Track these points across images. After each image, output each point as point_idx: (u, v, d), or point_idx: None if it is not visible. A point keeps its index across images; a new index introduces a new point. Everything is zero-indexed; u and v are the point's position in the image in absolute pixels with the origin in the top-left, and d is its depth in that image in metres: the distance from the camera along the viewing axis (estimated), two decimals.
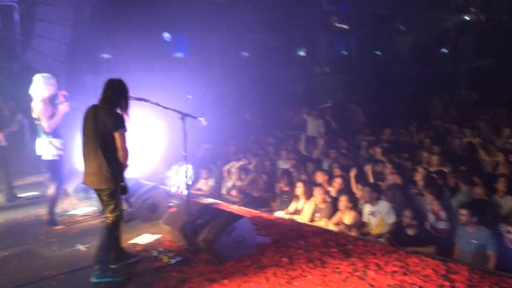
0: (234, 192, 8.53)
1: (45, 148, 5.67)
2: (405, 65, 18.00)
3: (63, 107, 5.80)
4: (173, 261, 4.66)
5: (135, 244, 5.29)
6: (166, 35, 17.81)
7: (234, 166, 8.91)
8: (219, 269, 4.43)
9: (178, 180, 7.40)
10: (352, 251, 4.74)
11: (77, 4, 10.48)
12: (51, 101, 5.89)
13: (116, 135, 4.39)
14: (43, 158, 5.73)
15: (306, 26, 16.37)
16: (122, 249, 4.81)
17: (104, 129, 4.40)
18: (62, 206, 6.93)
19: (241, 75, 15.85)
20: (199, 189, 9.27)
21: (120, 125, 4.42)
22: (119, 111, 4.49)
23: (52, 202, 5.96)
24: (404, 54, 18.31)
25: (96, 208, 6.54)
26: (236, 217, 4.83)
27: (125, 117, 4.52)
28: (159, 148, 7.16)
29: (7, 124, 7.57)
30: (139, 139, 7.29)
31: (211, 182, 9.18)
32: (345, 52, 17.60)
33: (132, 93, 4.61)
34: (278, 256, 4.69)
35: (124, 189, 4.55)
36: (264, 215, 6.30)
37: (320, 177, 7.58)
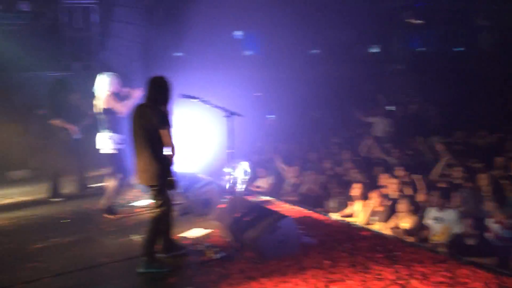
0: (290, 191, 8.52)
1: (104, 142, 6.02)
2: (487, 62, 16.82)
3: (136, 92, 6.02)
4: (217, 256, 4.76)
5: (185, 238, 5.45)
6: (238, 33, 18.12)
7: (291, 165, 8.89)
8: (259, 267, 4.45)
9: (235, 176, 7.51)
10: (399, 258, 4.55)
11: (150, 5, 10.97)
12: (116, 97, 6.24)
13: (162, 132, 4.55)
14: (102, 151, 6.09)
15: (380, 21, 15.86)
16: (172, 241, 4.98)
17: (150, 127, 4.57)
18: (125, 197, 7.34)
19: (310, 73, 15.72)
20: (258, 187, 9.36)
21: (165, 122, 4.57)
22: (163, 108, 4.64)
23: (112, 193, 6.30)
24: (486, 50, 17.10)
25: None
26: (280, 216, 4.82)
27: (169, 114, 4.67)
28: (217, 144, 7.33)
29: (83, 119, 8.11)
30: (197, 135, 7.53)
31: (270, 180, 9.24)
32: (421, 49, 16.81)
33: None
34: (321, 258, 4.62)
35: (172, 184, 4.72)
36: (315, 215, 6.21)
37: (381, 179, 7.35)
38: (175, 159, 4.66)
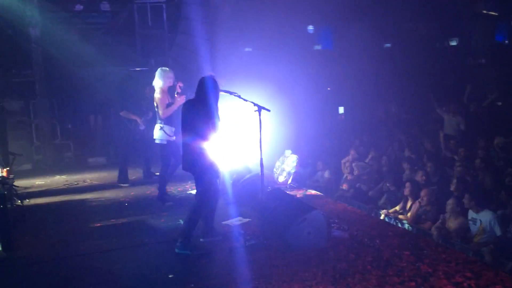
0: (345, 186, 8.54)
1: (157, 133, 6.52)
2: None
3: (179, 99, 6.54)
4: (248, 244, 5.03)
5: (226, 225, 5.79)
6: (309, 28, 18.12)
7: (348, 159, 8.89)
8: (284, 256, 4.64)
9: (284, 169, 7.72)
10: (426, 256, 4.50)
11: (217, 2, 11.41)
12: (169, 91, 6.72)
13: (208, 125, 4.92)
14: (156, 142, 6.59)
15: (460, 12, 15.07)
16: (211, 226, 5.34)
17: (198, 120, 4.95)
18: (184, 186, 7.88)
19: (383, 67, 15.38)
20: (315, 181, 9.47)
21: (210, 116, 4.94)
22: (210, 104, 5.00)
23: (162, 182, 6.79)
24: None
25: None
26: (309, 209, 4.97)
27: (215, 109, 5.04)
28: (268, 137, 7.56)
29: (148, 111, 8.75)
30: (248, 129, 7.80)
31: (327, 174, 9.31)
32: (503, 41, 15.70)
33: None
34: (346, 251, 4.71)
35: (214, 173, 5.07)
36: (358, 211, 6.25)
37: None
38: (218, 150, 5.00)
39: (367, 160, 8.83)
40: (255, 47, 15.42)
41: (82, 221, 6.29)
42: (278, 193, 5.82)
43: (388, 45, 15.92)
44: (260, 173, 6.94)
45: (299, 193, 7.21)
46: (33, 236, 5.73)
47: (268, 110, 4.93)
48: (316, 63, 16.45)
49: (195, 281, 4.18)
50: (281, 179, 7.67)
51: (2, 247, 5.15)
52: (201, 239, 5.20)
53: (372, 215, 6.19)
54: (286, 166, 7.63)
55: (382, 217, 6.89)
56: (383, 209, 7.32)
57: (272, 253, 4.77)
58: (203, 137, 4.90)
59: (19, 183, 8.68)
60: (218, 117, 4.97)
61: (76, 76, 10.88)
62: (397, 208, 7.14)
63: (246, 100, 5.07)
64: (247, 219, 5.91)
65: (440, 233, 6.00)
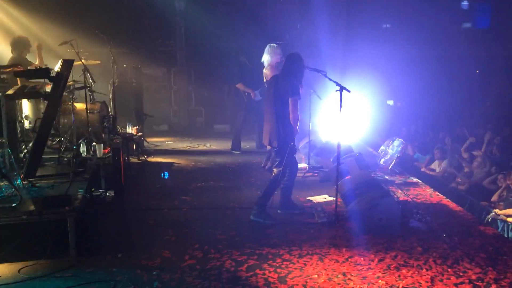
0: (459, 179, 7.92)
1: None
2: None
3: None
4: (320, 220, 5.09)
5: (308, 201, 5.90)
6: (464, 3, 16.63)
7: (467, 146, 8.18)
8: (349, 238, 4.62)
9: (387, 152, 7.43)
10: (503, 262, 4.08)
11: None
12: (277, 67, 6.93)
13: (290, 100, 5.07)
14: None
15: None
16: (290, 200, 5.51)
17: (281, 96, 5.13)
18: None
19: None
20: (431, 169, 8.95)
21: (293, 92, 5.08)
22: (295, 80, 5.12)
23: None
24: None
25: (308, 165, 7.40)
26: (383, 194, 4.82)
27: (299, 87, 5.15)
28: (372, 121, 7.36)
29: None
30: (352, 110, 7.65)
31: (444, 163, 8.72)
32: None
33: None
34: (416, 243, 4.48)
35: (292, 149, 5.22)
36: (453, 205, 5.80)
37: None
38: (297, 128, 5.14)
39: (479, 153, 8.00)
40: (394, 23, 14.71)
41: (187, 180, 6.96)
42: (363, 176, 5.71)
43: None
44: (356, 154, 6.88)
45: (399, 179, 6.92)
46: (144, 188, 6.55)
47: (348, 91, 4.84)
48: (465, 42, 15.08)
49: (255, 247, 4.42)
50: (383, 162, 7.41)
51: (114, 192, 6.03)
52: (278, 211, 5.41)
53: (473, 214, 5.66)
54: (390, 150, 7.33)
55: (488, 218, 6.27)
56: (495, 208, 6.64)
57: (338, 233, 4.78)
58: (283, 113, 5.05)
59: (152, 140, 9.89)
60: (299, 94, 5.05)
61: (213, 48, 11.73)
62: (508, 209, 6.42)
63: (331, 79, 5.04)
64: (332, 198, 5.93)
65: None
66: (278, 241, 4.57)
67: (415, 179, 6.98)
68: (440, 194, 6.22)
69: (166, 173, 7.00)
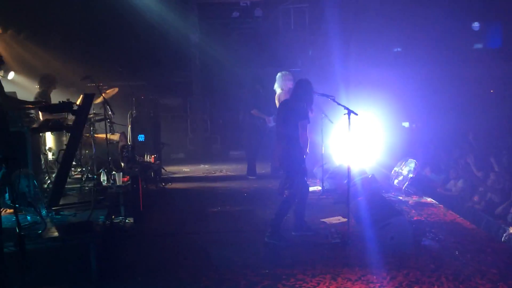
0: (476, 198, 7.90)
1: None
2: None
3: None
4: (333, 241, 5.20)
5: (322, 222, 6.01)
6: (475, 24, 16.74)
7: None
8: (361, 257, 4.71)
9: (400, 173, 7.50)
10: None
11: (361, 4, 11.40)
12: (290, 93, 7.15)
13: (300, 125, 5.26)
14: None
15: None
16: (303, 221, 5.63)
17: (291, 119, 5.32)
18: None
19: None
20: (447, 189, 8.95)
21: (303, 117, 5.27)
22: (304, 105, 5.32)
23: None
24: None
25: (322, 188, 7.52)
26: (395, 213, 4.91)
27: (308, 111, 5.34)
28: (387, 143, 7.46)
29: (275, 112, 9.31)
30: (364, 132, 7.79)
31: (460, 183, 8.71)
32: None
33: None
34: (428, 261, 4.56)
35: (302, 171, 5.38)
36: (466, 223, 5.84)
37: None
38: (307, 151, 5.31)
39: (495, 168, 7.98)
40: (405, 47, 14.88)
41: (204, 206, 7.12)
42: (376, 196, 5.81)
43: None
44: (367, 176, 6.98)
45: (413, 199, 6.99)
46: (162, 214, 6.73)
47: (356, 114, 5.01)
48: (476, 63, 15.14)
49: (270, 267, 4.55)
50: (397, 182, 7.48)
51: (133, 218, 6.23)
52: (293, 233, 5.54)
53: (489, 232, 5.67)
54: (403, 171, 7.41)
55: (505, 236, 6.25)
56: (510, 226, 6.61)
57: (352, 252, 4.87)
58: (293, 136, 5.23)
59: (170, 168, 10.12)
60: (308, 118, 5.24)
61: (227, 77, 12.06)
62: None
63: (339, 104, 5.22)
64: (345, 219, 6.01)
65: None
66: (292, 262, 4.69)
67: (429, 199, 7.04)
68: (453, 213, 6.26)
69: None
